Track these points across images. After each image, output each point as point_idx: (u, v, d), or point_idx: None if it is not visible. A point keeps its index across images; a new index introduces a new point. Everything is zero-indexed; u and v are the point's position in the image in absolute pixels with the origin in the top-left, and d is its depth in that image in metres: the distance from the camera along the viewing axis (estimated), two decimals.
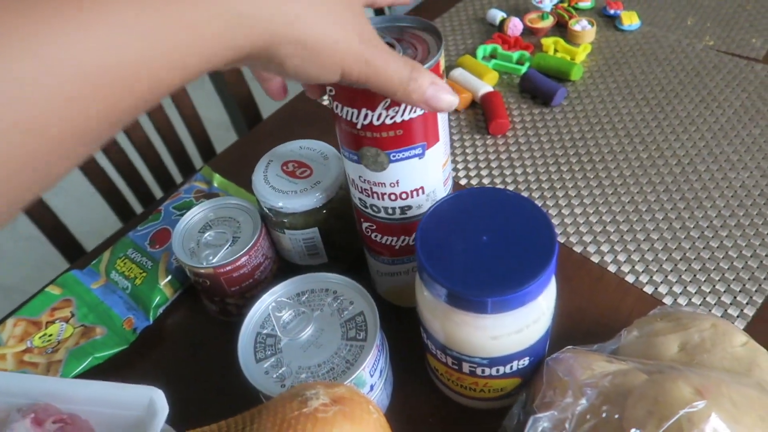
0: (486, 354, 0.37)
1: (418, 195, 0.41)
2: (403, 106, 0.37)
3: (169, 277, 0.53)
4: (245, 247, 0.48)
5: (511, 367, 0.38)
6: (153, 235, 0.57)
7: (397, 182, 0.40)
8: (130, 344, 0.51)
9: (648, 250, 0.53)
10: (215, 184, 0.62)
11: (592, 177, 0.60)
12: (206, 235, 0.50)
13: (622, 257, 0.53)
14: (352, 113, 0.37)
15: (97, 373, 0.49)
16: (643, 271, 0.52)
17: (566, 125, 0.66)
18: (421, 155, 0.39)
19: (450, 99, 0.32)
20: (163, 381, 0.40)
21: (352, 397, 0.33)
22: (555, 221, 0.56)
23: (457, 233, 0.37)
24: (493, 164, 0.63)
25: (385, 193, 0.41)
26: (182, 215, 0.57)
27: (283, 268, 0.54)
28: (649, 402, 0.30)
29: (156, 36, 0.18)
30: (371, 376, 0.39)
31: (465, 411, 0.44)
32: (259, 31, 0.22)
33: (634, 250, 0.53)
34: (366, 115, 0.37)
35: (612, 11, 0.79)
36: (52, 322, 0.52)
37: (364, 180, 0.41)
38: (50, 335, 0.51)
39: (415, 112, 0.37)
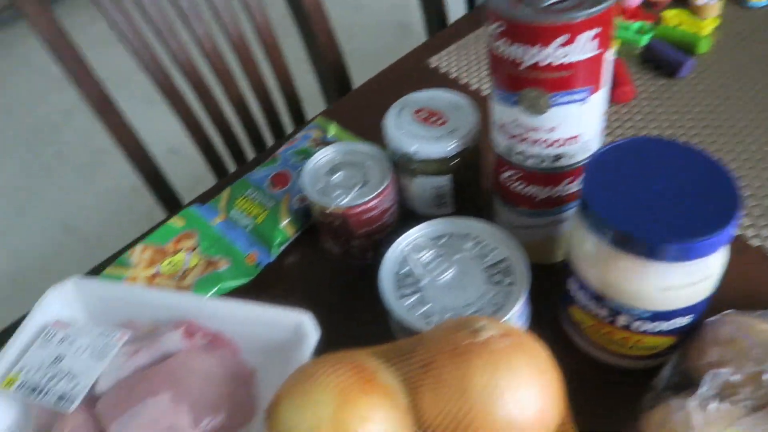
0: (651, 306, 0.36)
1: (573, 143, 0.40)
2: (576, 43, 0.35)
3: (290, 218, 0.54)
4: (377, 189, 0.47)
5: (671, 325, 0.37)
6: (273, 176, 0.57)
7: (554, 128, 0.39)
8: (252, 278, 0.51)
9: None
10: (331, 134, 0.62)
11: (726, 150, 0.57)
12: (335, 176, 0.50)
13: (765, 232, 0.50)
14: (520, 51, 0.36)
15: None
16: None
17: (694, 98, 0.63)
18: (584, 100, 0.38)
19: None
20: None
21: (520, 333, 0.32)
22: None
23: (626, 178, 0.35)
24: (617, 132, 0.61)
25: (539, 140, 0.40)
26: (302, 160, 0.57)
27: (405, 216, 0.53)
28: None
29: None
30: (518, 323, 0.38)
31: (600, 369, 0.43)
32: None
33: None
34: (535, 54, 0.36)
35: None
36: (178, 252, 0.53)
37: (518, 125, 0.40)
38: (176, 263, 0.52)
39: (586, 53, 0.36)
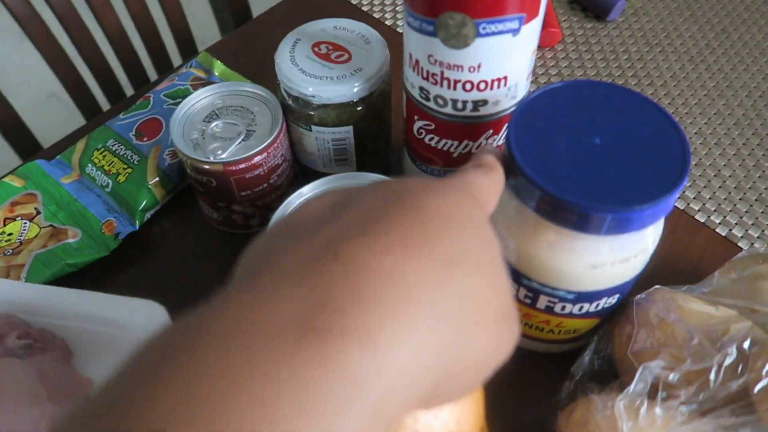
0: (576, 287, 0.30)
1: (498, 87, 0.33)
2: None
3: (160, 177, 0.44)
4: (263, 143, 0.39)
5: (597, 306, 0.31)
6: (140, 125, 0.47)
7: (479, 66, 0.32)
8: (110, 252, 0.42)
9: (719, 187, 0.47)
10: (216, 73, 0.52)
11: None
12: (213, 125, 0.40)
13: (690, 193, 0.46)
14: None
15: (69, 283, 0.40)
16: (714, 210, 0.45)
17: (622, 43, 0.58)
18: (516, 31, 0.30)
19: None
20: (151, 297, 0.32)
21: None
22: None
23: (561, 131, 0.29)
24: (541, 79, 0.55)
25: (460, 81, 0.32)
26: (177, 104, 0.47)
27: (300, 175, 0.45)
28: None
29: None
30: None
31: (516, 354, 0.38)
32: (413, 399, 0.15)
33: (704, 186, 0.47)
34: None
35: None
36: (13, 219, 0.42)
37: (436, 61, 0.32)
38: (10, 234, 0.41)
39: None
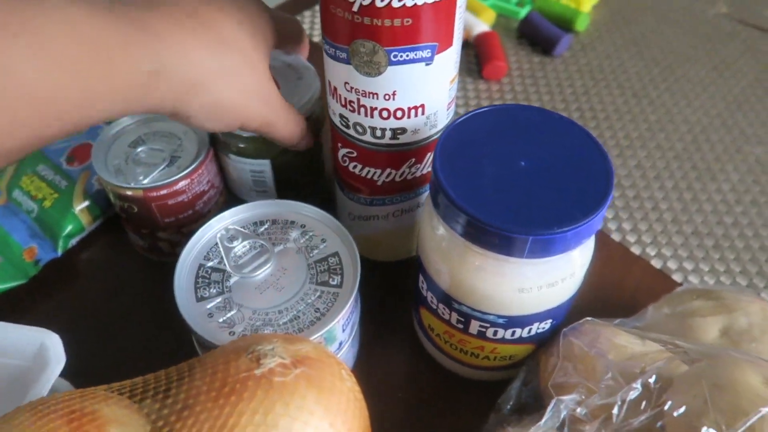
0: (506, 311, 0.29)
1: (416, 115, 0.33)
2: None
3: (88, 202, 0.43)
4: (186, 169, 0.38)
5: (530, 331, 0.31)
6: (72, 150, 0.46)
7: (394, 94, 0.31)
8: (29, 279, 0.40)
9: (656, 220, 0.47)
10: None
11: (595, 135, 0.53)
12: (138, 150, 0.40)
13: (627, 225, 0.46)
14: None
15: None
16: (650, 243, 0.45)
17: (568, 77, 0.59)
18: (429, 60, 0.30)
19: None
20: (70, 327, 0.31)
21: (320, 357, 0.24)
22: None
23: (487, 154, 0.29)
24: None
25: (377, 108, 0.32)
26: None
27: (230, 201, 0.44)
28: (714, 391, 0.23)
29: (90, 77, 0.24)
30: (343, 331, 0.31)
31: (454, 381, 0.36)
32: (168, 94, 0.28)
33: (641, 219, 0.47)
34: None
35: None
36: None
37: (352, 88, 0.32)
38: None
39: None
